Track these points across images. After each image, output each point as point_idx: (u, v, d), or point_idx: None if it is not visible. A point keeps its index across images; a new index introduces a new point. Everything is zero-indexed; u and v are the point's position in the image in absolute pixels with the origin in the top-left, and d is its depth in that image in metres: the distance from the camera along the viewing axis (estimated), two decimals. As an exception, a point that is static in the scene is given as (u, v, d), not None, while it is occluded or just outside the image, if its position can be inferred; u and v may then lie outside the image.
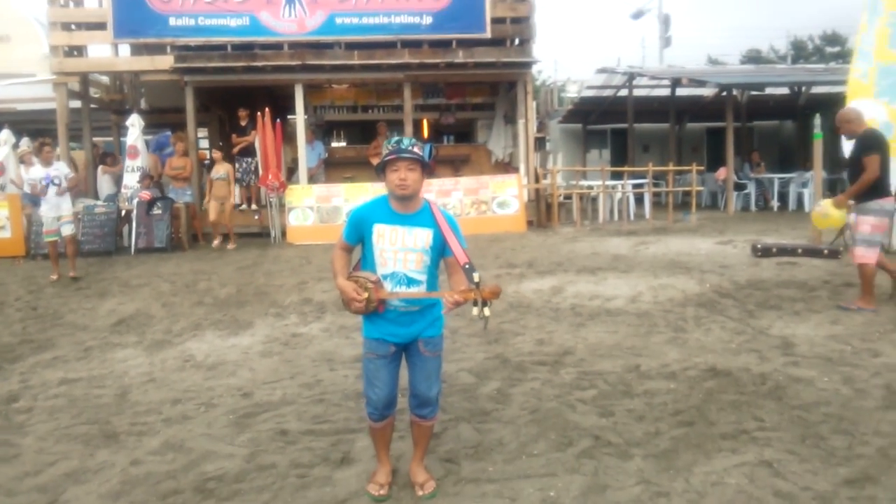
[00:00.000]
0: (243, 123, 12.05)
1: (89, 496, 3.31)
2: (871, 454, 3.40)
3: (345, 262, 3.18)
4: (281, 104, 12.72)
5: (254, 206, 12.20)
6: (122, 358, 5.58)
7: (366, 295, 3.00)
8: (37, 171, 8.82)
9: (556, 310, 6.42)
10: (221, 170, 10.94)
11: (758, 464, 3.35)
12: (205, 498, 3.24)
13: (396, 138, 3.16)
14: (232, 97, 13.80)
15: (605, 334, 5.59)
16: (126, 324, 6.65)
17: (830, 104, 19.62)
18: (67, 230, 8.82)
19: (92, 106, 13.16)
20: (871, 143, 6.04)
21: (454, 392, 4.44)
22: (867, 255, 5.99)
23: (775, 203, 16.30)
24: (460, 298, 2.87)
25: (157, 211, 10.64)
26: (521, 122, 12.99)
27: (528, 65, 12.58)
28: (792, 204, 16.12)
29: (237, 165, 12.26)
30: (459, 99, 14.92)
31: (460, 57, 12.13)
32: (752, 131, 23.06)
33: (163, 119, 14.16)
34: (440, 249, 3.07)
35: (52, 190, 8.64)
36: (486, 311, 2.85)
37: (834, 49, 44.41)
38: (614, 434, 3.74)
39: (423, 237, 3.04)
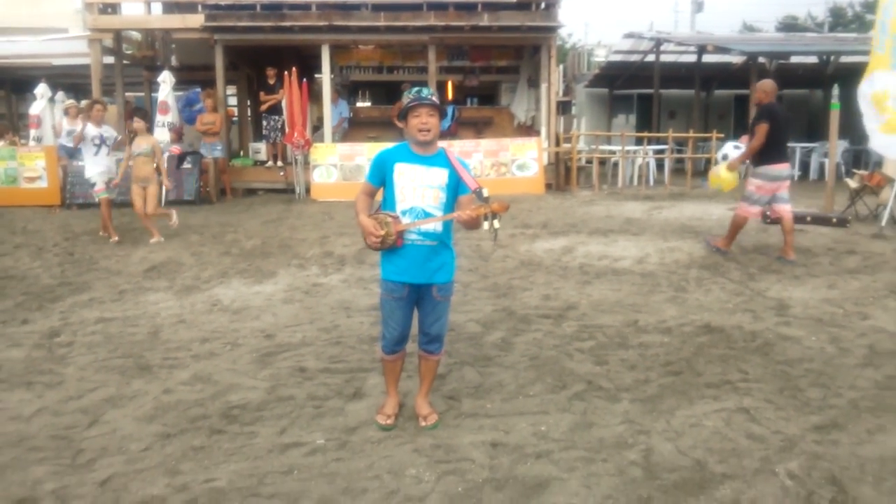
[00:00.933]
0: (271, 82, 12.31)
1: (125, 418, 3.69)
2: (843, 405, 3.66)
3: (367, 204, 3.48)
4: (308, 63, 12.95)
5: (279, 163, 12.53)
6: (154, 301, 5.96)
7: (383, 231, 3.28)
8: (90, 130, 8.47)
9: (564, 268, 6.68)
10: (144, 143, 8.36)
11: (736, 410, 3.63)
12: (230, 422, 3.60)
13: (417, 87, 3.45)
14: (260, 56, 14.05)
15: (609, 292, 5.85)
16: (157, 270, 7.04)
17: (858, 73, 19.40)
18: (113, 193, 8.74)
19: (124, 62, 13.48)
20: (765, 114, 6.72)
21: (461, 339, 4.75)
22: (744, 209, 6.94)
23: (796, 172, 16.24)
24: (473, 213, 3.19)
25: (187, 165, 11.01)
26: (543, 86, 13.09)
27: (552, 29, 12.62)
28: (813, 173, 16.09)
29: (265, 123, 12.57)
30: (484, 62, 15.00)
31: (485, 20, 12.22)
32: (780, 99, 22.79)
33: (193, 76, 14.46)
34: (454, 188, 3.36)
35: (103, 150, 8.50)
36: (497, 224, 3.17)
37: (874, 17, 43.14)
38: (606, 380, 4.03)
39: (439, 175, 3.33)
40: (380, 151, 3.55)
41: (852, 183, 9.07)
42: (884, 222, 7.92)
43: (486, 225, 3.19)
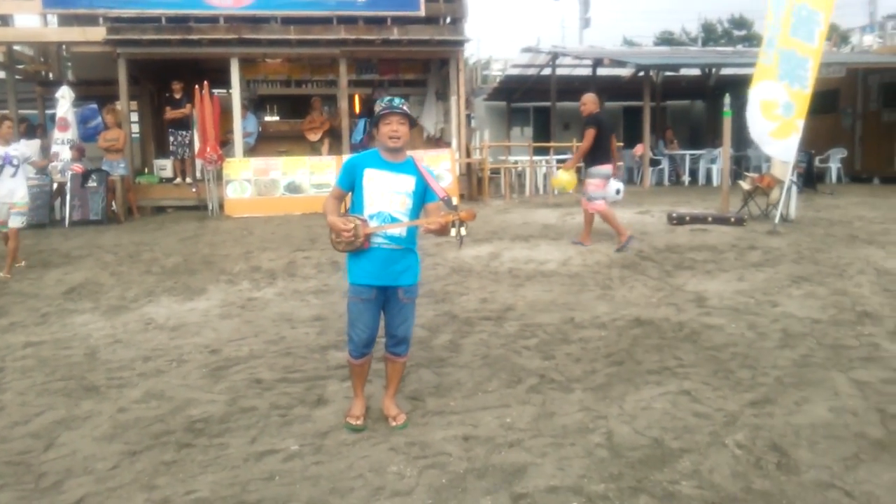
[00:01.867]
0: (178, 96, 12.00)
1: (84, 439, 3.59)
2: (770, 382, 4.04)
3: (335, 207, 3.58)
4: (212, 77, 12.64)
5: (188, 180, 12.20)
6: (83, 322, 5.74)
7: (352, 225, 3.38)
8: None
9: (495, 273, 6.93)
10: None
11: (679, 392, 3.94)
12: (196, 436, 3.57)
13: (388, 97, 3.59)
14: (162, 70, 13.65)
15: (542, 293, 6.13)
16: (77, 291, 6.76)
17: (738, 85, 20.91)
18: (17, 222, 7.51)
19: (16, 77, 12.76)
20: (592, 122, 7.98)
21: (412, 344, 4.87)
22: (590, 206, 7.98)
23: (686, 178, 17.35)
24: (441, 221, 3.35)
25: (92, 184, 10.55)
26: (453, 98, 13.41)
27: (460, 43, 12.98)
28: (702, 179, 17.21)
29: (171, 138, 12.22)
30: (392, 75, 15.16)
31: (395, 34, 12.42)
32: (665, 110, 24.22)
33: (89, 91, 13.84)
34: (421, 195, 3.50)
35: (7, 171, 7.39)
36: (463, 231, 3.36)
37: (741, 32, 46.63)
38: (557, 373, 4.27)
39: (407, 182, 3.46)
40: (350, 157, 3.68)
41: (745, 185, 9.84)
42: (777, 220, 8.66)
43: (453, 231, 3.36)
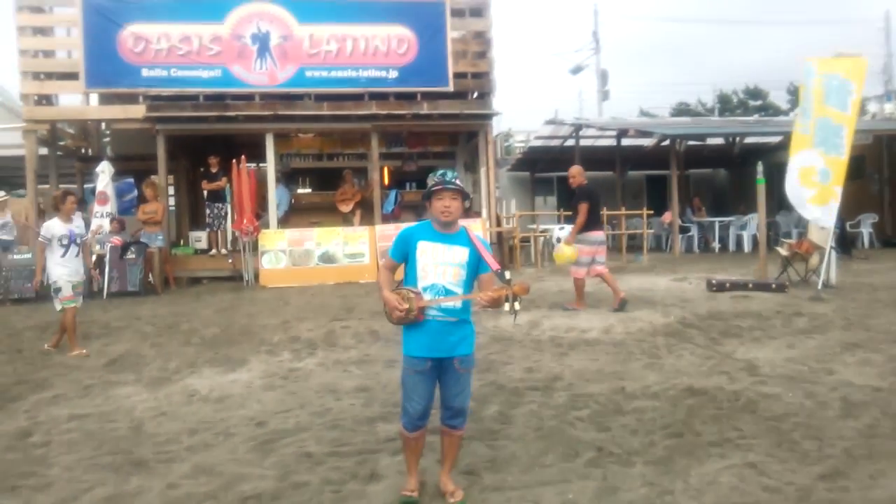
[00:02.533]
0: (214, 170, 12.31)
1: (135, 516, 3.51)
2: (838, 454, 3.88)
3: (389, 279, 3.57)
4: (246, 151, 12.95)
5: (223, 251, 12.37)
6: (125, 394, 5.71)
7: (406, 306, 3.37)
8: (57, 227, 7.20)
9: (537, 341, 6.84)
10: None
11: (744, 465, 3.79)
12: (249, 513, 3.49)
13: (441, 171, 3.62)
14: (196, 144, 14.05)
15: (588, 361, 6.03)
16: (118, 363, 6.76)
17: (761, 153, 21.09)
18: (79, 301, 7.43)
19: (58, 153, 13.19)
20: (583, 195, 8.51)
21: (464, 415, 4.78)
22: (576, 272, 8.44)
23: (716, 245, 17.26)
24: (495, 295, 3.31)
25: (130, 255, 10.73)
26: (482, 169, 13.59)
27: (489, 116, 13.24)
28: (731, 245, 17.09)
29: (208, 211, 12.46)
30: (421, 148, 15.50)
31: (425, 108, 12.72)
32: (689, 178, 24.37)
33: (127, 166, 14.27)
34: (475, 266, 3.48)
35: (73, 250, 7.25)
36: (517, 306, 3.29)
37: (756, 102, 47.31)
38: (614, 445, 4.14)
39: (460, 254, 3.45)
40: (404, 228, 3.68)
41: (783, 251, 9.74)
42: (821, 285, 8.53)
43: (507, 306, 3.32)
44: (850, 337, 6.40)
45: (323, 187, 15.47)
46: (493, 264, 3.48)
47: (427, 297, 3.42)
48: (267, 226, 12.28)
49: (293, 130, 13.52)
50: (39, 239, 7.43)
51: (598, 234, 8.42)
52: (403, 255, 3.53)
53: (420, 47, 12.60)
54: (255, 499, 3.65)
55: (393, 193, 13.80)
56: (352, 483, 3.79)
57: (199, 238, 13.20)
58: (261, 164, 13.24)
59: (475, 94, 13.53)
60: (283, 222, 13.14)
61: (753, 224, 16.67)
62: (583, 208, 8.34)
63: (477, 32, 13.23)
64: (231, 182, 11.85)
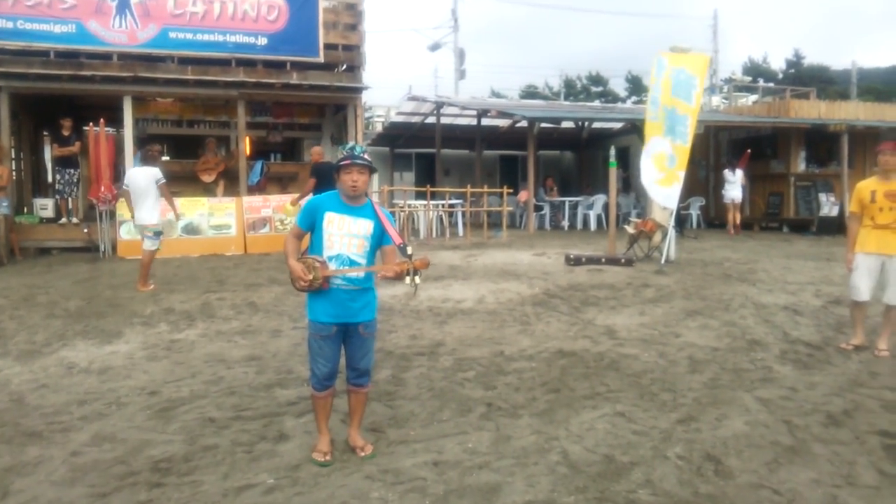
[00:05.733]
0: (66, 133, 11.49)
1: (41, 485, 3.48)
2: (690, 403, 4.54)
3: (296, 247, 3.71)
4: (98, 116, 12.19)
5: (74, 220, 11.62)
6: (-6, 368, 5.43)
7: (311, 276, 3.54)
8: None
9: (416, 311, 7.18)
10: None
11: (614, 414, 4.35)
12: (164, 475, 3.56)
13: (350, 145, 3.78)
14: (41, 106, 13.04)
15: (466, 329, 6.46)
16: (-24, 337, 6.35)
17: (602, 138, 22.70)
18: None
19: None
20: (313, 171, 10.38)
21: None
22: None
23: (566, 223, 18.45)
24: (397, 269, 3.54)
25: (-29, 223, 9.85)
26: (349, 142, 13.65)
27: (359, 90, 13.31)
28: (579, 224, 18.35)
29: (58, 177, 11.65)
30: (287, 118, 15.25)
31: (295, 78, 12.58)
32: (539, 159, 25.71)
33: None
34: (378, 238, 3.69)
35: None
36: (417, 280, 3.56)
37: (598, 88, 50.45)
38: (501, 401, 4.57)
39: (365, 226, 3.65)
40: (312, 198, 3.83)
41: (630, 229, 10.71)
42: (663, 261, 9.51)
43: (407, 279, 3.58)
44: (690, 305, 7.28)
45: (182, 155, 14.85)
46: (397, 238, 3.69)
47: (332, 266, 3.60)
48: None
49: (154, 94, 12.87)
50: None
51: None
52: (310, 224, 3.67)
53: (291, 15, 12.40)
54: (167, 461, 3.72)
55: (259, 164, 13.54)
56: (262, 444, 3.95)
57: (45, 206, 12.28)
58: (117, 130, 12.49)
59: (344, 67, 13.54)
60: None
61: (599, 204, 18.02)
62: (310, 182, 10.26)
63: (348, 4, 13.20)
64: (87, 147, 11.12)
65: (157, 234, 8.47)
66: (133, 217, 8.57)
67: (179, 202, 11.47)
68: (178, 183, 13.26)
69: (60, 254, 11.28)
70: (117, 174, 11.73)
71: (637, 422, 4.21)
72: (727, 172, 16.49)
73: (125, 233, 11.09)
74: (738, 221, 16.23)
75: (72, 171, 11.56)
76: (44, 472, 3.61)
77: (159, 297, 7.96)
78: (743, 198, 16.62)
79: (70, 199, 11.69)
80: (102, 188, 10.60)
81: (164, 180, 8.59)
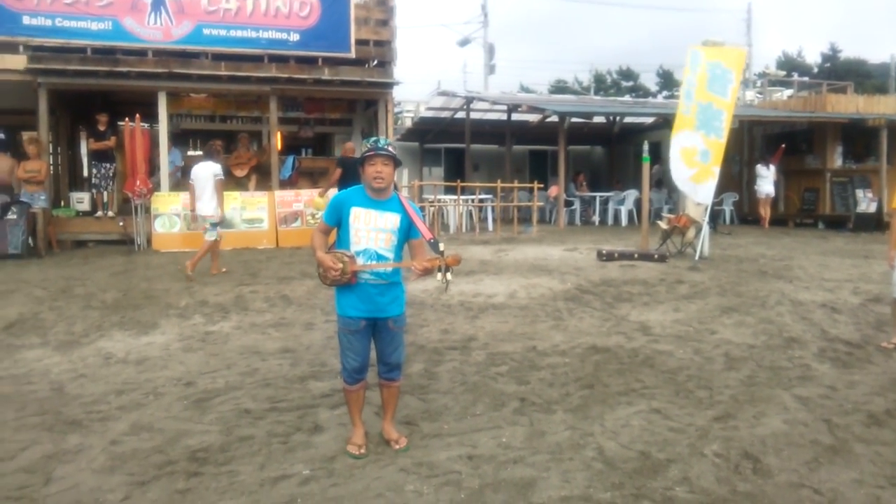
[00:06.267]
0: (102, 128, 11.68)
1: (82, 472, 3.54)
2: (727, 400, 4.48)
3: (323, 242, 3.71)
4: (134, 111, 12.38)
5: (109, 213, 11.82)
6: (35, 357, 5.55)
7: (341, 265, 3.53)
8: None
9: (447, 306, 7.18)
10: None
11: (650, 411, 4.30)
12: (201, 465, 3.60)
13: (374, 138, 3.78)
14: (78, 101, 13.28)
15: (498, 324, 6.43)
16: (17, 327, 6.48)
17: (633, 133, 22.46)
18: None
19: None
20: (339, 163, 10.97)
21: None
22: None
23: (597, 218, 18.31)
24: (428, 265, 3.50)
25: (11, 216, 10.07)
26: (373, 136, 13.70)
27: (390, 85, 13.33)
28: (610, 219, 18.19)
29: (94, 171, 11.86)
30: (318, 113, 15.34)
31: (326, 74, 12.64)
32: (569, 154, 25.51)
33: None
34: (406, 232, 3.66)
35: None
36: (449, 276, 3.52)
37: (628, 83, 49.93)
38: (535, 396, 4.55)
39: (392, 220, 3.62)
40: (337, 193, 3.83)
41: (663, 225, 10.60)
42: (697, 257, 9.39)
43: (439, 276, 3.53)
44: (725, 302, 7.17)
45: (216, 150, 15.01)
46: (426, 233, 3.63)
47: (360, 261, 3.58)
48: (159, 188, 11.84)
49: (188, 90, 13.03)
50: None
51: None
52: (337, 219, 3.66)
53: (322, 11, 12.46)
54: (204, 451, 3.76)
55: (290, 159, 13.64)
56: (297, 435, 3.98)
57: (82, 199, 12.51)
58: (151, 125, 12.67)
59: (375, 62, 13.57)
60: (176, 185, 12.70)
61: (630, 200, 17.85)
62: (337, 172, 10.81)
63: (379, 0, 13.24)
64: (122, 141, 11.31)
65: (214, 225, 8.96)
66: (193, 209, 9.12)
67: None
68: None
69: (96, 246, 11.48)
70: (152, 169, 11.92)
71: (673, 419, 4.17)
72: (760, 167, 16.45)
73: (160, 226, 11.26)
74: (768, 216, 16.22)
75: (107, 165, 11.77)
76: (84, 459, 3.68)
77: (193, 290, 8.06)
78: (776, 193, 16.43)
79: (106, 193, 11.89)
80: (138, 182, 10.76)
81: (221, 176, 9.11)
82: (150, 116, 12.43)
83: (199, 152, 14.36)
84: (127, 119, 11.04)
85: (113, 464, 3.62)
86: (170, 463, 3.62)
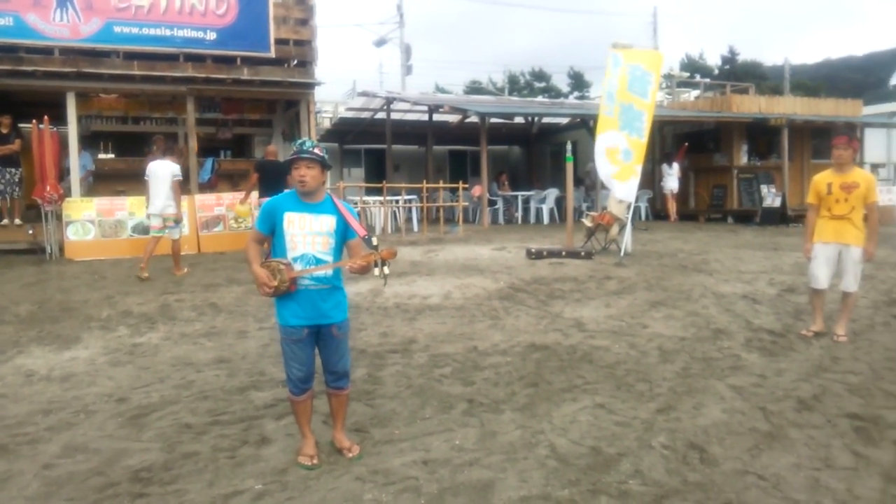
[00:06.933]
0: (5, 131, 10.98)
1: (14, 501, 3.32)
2: (666, 392, 4.63)
3: (257, 252, 3.60)
4: (38, 112, 11.69)
5: (16, 221, 11.13)
6: (-54, 379, 5.16)
7: (276, 282, 3.42)
8: None
9: (383, 308, 7.12)
10: None
11: (594, 406, 4.40)
12: (146, 485, 3.44)
13: (300, 140, 3.65)
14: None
15: (437, 325, 6.44)
16: (-78, 347, 6.02)
17: (549, 133, 22.95)
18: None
19: None
20: (256, 167, 10.71)
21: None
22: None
23: (519, 217, 18.60)
24: (363, 262, 3.43)
25: None
26: (299, 138, 13.45)
27: (312, 85, 13.12)
28: (532, 217, 18.51)
29: (-1, 176, 11.15)
30: (237, 115, 14.93)
31: (246, 74, 12.32)
32: (489, 154, 25.76)
33: None
34: (343, 233, 3.58)
35: None
36: (386, 270, 3.46)
37: (541, 84, 51.02)
38: (482, 397, 4.57)
39: (327, 222, 3.53)
40: (268, 199, 3.71)
41: (587, 222, 10.86)
42: (622, 253, 9.68)
43: (376, 271, 3.45)
44: (653, 296, 7.42)
45: (127, 153, 14.38)
46: (360, 230, 3.57)
47: (297, 267, 3.49)
48: (70, 194, 11.23)
49: (99, 90, 12.40)
50: None
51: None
52: (270, 226, 3.56)
53: (240, 9, 12.11)
54: (146, 470, 3.60)
55: (209, 161, 13.22)
56: (244, 448, 3.86)
57: (-15, 206, 11.75)
58: (58, 127, 12.00)
59: (295, 62, 13.32)
60: (86, 191, 12.10)
61: (551, 198, 18.23)
62: (253, 177, 10.58)
63: (298, -1, 13.01)
64: (28, 145, 10.65)
65: (177, 222, 9.22)
66: (148, 207, 9.21)
67: (128, 201, 11.19)
68: (125, 181, 12.88)
69: (2, 256, 10.78)
70: (62, 173, 11.30)
71: (618, 413, 4.27)
72: (665, 166, 17.47)
73: (73, 234, 10.69)
74: (675, 210, 17.53)
75: (12, 170, 11.06)
76: (15, 487, 3.45)
77: (114, 300, 7.70)
78: (685, 189, 17.32)
79: (12, 200, 11.18)
80: (48, 187, 10.17)
81: (180, 177, 9.26)
82: (58, 118, 11.77)
83: (112, 155, 13.71)
84: (34, 121, 10.40)
85: (49, 489, 3.41)
86: (111, 485, 3.44)
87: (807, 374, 4.92)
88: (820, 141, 19.02)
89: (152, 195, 9.08)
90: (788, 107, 19.40)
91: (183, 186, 9.40)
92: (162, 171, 9.08)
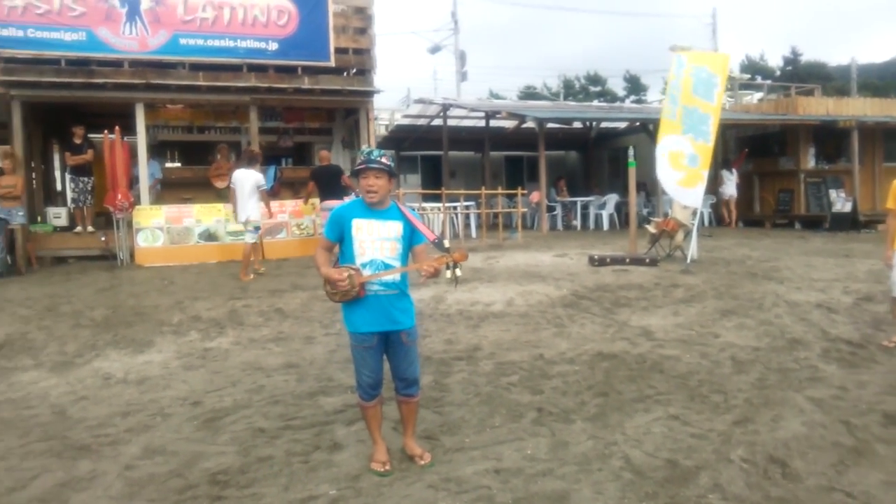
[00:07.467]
0: (78, 141, 11.42)
1: (99, 500, 3.43)
2: (742, 404, 4.49)
3: (326, 258, 3.65)
4: (108, 123, 12.11)
5: (89, 228, 11.55)
6: (30, 380, 5.38)
7: (346, 274, 3.46)
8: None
9: (446, 315, 7.12)
10: None
11: (668, 417, 4.29)
12: (223, 488, 3.50)
13: (368, 149, 3.68)
14: (51, 114, 12.98)
15: (501, 332, 6.39)
16: (7, 348, 6.29)
17: (607, 137, 22.62)
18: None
19: None
20: (312, 174, 11.23)
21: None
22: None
23: (578, 223, 18.39)
24: (436, 264, 3.46)
25: (-12, 233, 9.79)
26: (364, 147, 13.61)
27: (371, 93, 13.27)
28: (591, 224, 18.28)
29: (72, 185, 11.59)
30: (298, 123, 15.21)
31: (306, 83, 12.53)
32: (546, 160, 25.57)
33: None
34: (409, 238, 3.60)
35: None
36: (458, 272, 3.48)
37: (596, 88, 50.43)
38: (551, 406, 4.52)
39: (395, 228, 3.57)
40: (336, 207, 3.75)
41: (651, 229, 10.65)
42: (688, 260, 9.46)
43: (448, 273, 3.48)
44: (723, 305, 7.22)
45: (192, 161, 14.80)
46: (430, 235, 3.61)
47: (366, 272, 3.53)
48: (139, 202, 11.61)
49: (166, 101, 12.80)
50: None
51: (331, 202, 10.32)
52: (339, 234, 3.60)
53: (301, 20, 12.35)
54: (223, 473, 3.66)
55: (272, 169, 13.47)
56: (316, 453, 3.90)
57: (59, 214, 12.24)
58: (126, 137, 12.43)
59: (354, 71, 13.48)
60: (155, 199, 12.48)
61: (611, 204, 17.97)
62: (310, 185, 11.11)
63: (358, 8, 13.16)
64: (100, 154, 11.06)
65: (257, 228, 9.79)
66: (236, 214, 9.73)
67: (195, 209, 11.49)
68: (191, 189, 13.26)
69: (77, 262, 11.21)
70: (131, 182, 11.68)
71: (693, 424, 4.16)
72: (724, 172, 17.07)
73: (143, 240, 11.03)
74: (734, 216, 17.30)
75: (86, 179, 11.51)
76: (100, 487, 3.56)
77: (183, 305, 7.90)
78: (750, 195, 16.94)
79: (86, 208, 11.61)
80: (119, 196, 10.53)
81: (265, 186, 9.87)
82: (127, 128, 12.19)
83: (178, 164, 14.11)
84: (105, 131, 10.78)
85: (131, 490, 3.51)
86: (190, 487, 3.52)
87: (892, 388, 4.71)
88: (893, 144, 18.29)
89: (239, 205, 9.55)
90: (858, 108, 18.71)
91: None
92: (248, 180, 9.50)
